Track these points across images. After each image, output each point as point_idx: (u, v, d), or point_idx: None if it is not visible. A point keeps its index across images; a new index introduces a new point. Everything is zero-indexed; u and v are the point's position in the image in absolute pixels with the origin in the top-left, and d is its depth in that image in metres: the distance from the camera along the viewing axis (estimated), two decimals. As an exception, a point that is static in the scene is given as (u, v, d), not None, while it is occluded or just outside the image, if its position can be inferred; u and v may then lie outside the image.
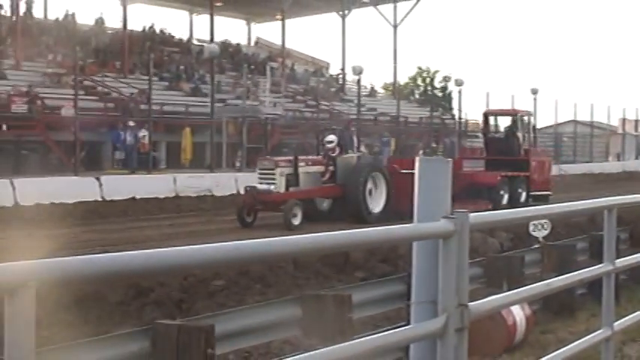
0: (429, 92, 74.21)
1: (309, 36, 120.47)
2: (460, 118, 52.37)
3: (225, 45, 53.20)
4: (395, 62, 58.29)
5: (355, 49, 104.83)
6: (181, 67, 46.85)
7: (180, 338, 7.43)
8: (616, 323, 6.00)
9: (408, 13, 57.45)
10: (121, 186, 27.73)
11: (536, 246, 13.46)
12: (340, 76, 57.72)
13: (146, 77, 37.33)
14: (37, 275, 2.35)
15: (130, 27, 45.99)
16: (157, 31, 52.72)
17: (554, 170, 48.84)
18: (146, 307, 11.16)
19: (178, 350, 7.39)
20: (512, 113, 32.00)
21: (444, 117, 56.46)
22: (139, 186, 28.10)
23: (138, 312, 10.93)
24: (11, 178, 26.21)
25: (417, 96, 70.09)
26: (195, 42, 54.70)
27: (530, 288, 5.41)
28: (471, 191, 25.39)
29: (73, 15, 48.50)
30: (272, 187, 22.25)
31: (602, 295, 5.87)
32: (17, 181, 25.70)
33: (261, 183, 22.45)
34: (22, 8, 43.69)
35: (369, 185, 23.83)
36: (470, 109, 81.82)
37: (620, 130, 64.08)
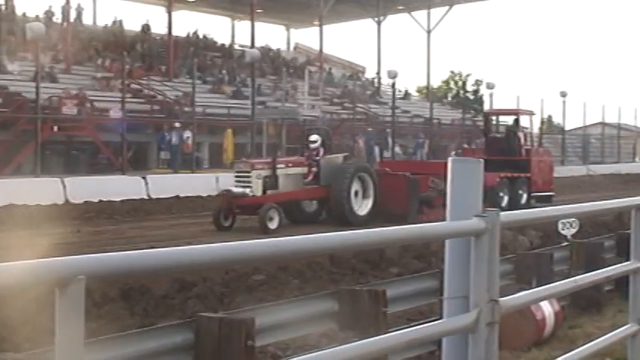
0: (461, 95, 73.93)
1: (345, 41, 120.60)
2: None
3: (265, 50, 53.29)
4: (428, 66, 58.20)
5: (390, 54, 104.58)
6: (223, 71, 46.99)
7: (221, 330, 7.46)
8: (642, 319, 5.94)
9: (441, 19, 57.28)
10: (165, 185, 27.88)
11: (564, 244, 13.37)
12: (376, 79, 57.60)
13: (190, 81, 37.48)
14: (87, 269, 2.36)
15: (174, 33, 46.20)
16: (201, 36, 52.94)
17: (583, 171, 48.59)
18: (189, 300, 11.21)
19: (220, 342, 7.41)
20: (514, 113, 30.85)
21: (476, 119, 56.17)
22: (182, 185, 28.25)
23: (181, 305, 10.98)
24: (62, 176, 26.45)
25: (449, 99, 69.80)
26: (236, 47, 54.83)
27: (559, 284, 5.37)
28: None
29: (120, 22, 48.86)
30: (247, 190, 20.62)
31: (629, 291, 5.81)
32: (67, 179, 25.92)
33: (237, 186, 20.82)
34: (73, 15, 44.06)
35: (356, 187, 22.08)
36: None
37: (647, 132, 63.46)
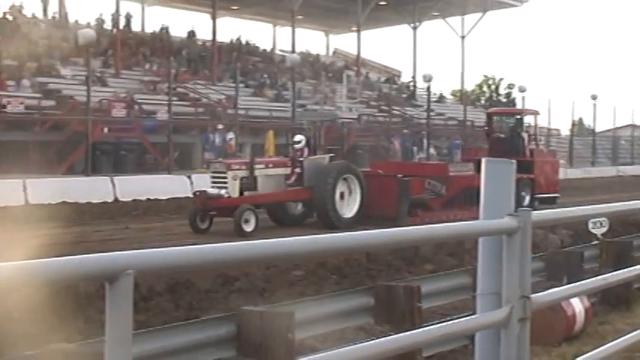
0: (494, 98, 73.46)
1: (382, 46, 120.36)
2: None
3: (305, 55, 53.37)
4: (462, 70, 58.12)
5: (425, 59, 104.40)
6: (265, 75, 47.09)
7: (263, 324, 7.48)
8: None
9: (474, 25, 57.01)
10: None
11: (594, 242, 13.23)
12: (411, 83, 57.44)
13: (233, 84, 37.63)
14: (135, 264, 2.38)
15: (219, 39, 46.36)
16: (244, 42, 53.09)
17: (612, 172, 48.07)
18: (232, 294, 11.24)
19: (261, 335, 7.44)
20: (518, 112, 29.21)
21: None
22: (226, 184, 28.31)
23: (224, 299, 11.02)
24: (111, 176, 26.67)
25: (482, 102, 69.43)
26: (278, 52, 54.97)
27: (589, 282, 5.33)
28: (468, 196, 22.19)
29: (167, 28, 49.13)
30: (223, 191, 18.98)
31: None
32: (117, 178, 26.12)
33: (212, 187, 19.23)
34: (122, 22, 44.40)
35: (341, 188, 20.31)
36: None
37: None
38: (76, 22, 44.11)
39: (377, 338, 3.36)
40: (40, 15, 44.20)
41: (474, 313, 3.94)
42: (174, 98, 34.02)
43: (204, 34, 49.21)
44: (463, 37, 56.90)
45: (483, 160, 3.94)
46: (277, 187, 20.08)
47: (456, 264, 13.50)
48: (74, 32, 37.65)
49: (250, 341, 7.46)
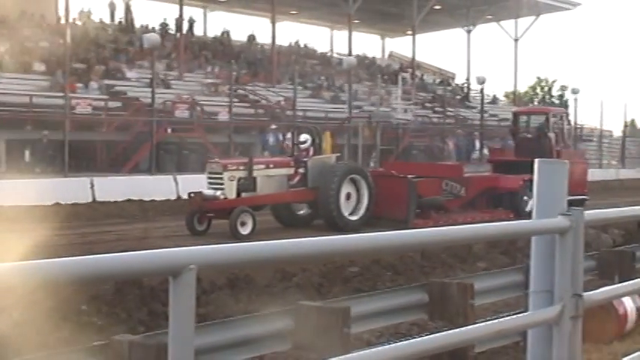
0: (547, 100, 72.64)
1: (437, 49, 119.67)
2: (576, 124, 51.03)
3: (361, 58, 53.27)
4: (515, 72, 57.28)
5: (479, 61, 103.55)
6: (322, 78, 47.15)
7: (319, 318, 7.50)
8: None
9: (528, 28, 56.33)
10: (269, 182, 28.08)
11: (646, 242, 13.03)
12: (465, 85, 57.03)
13: (291, 86, 37.71)
14: (198, 259, 2.40)
15: (278, 42, 46.55)
16: (302, 45, 53.25)
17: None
18: (289, 289, 11.29)
19: (318, 329, 7.45)
20: (545, 112, 27.28)
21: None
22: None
23: (282, 294, 11.07)
24: (174, 174, 26.93)
25: (535, 103, 68.68)
26: (335, 55, 54.99)
27: (641, 281, 5.24)
28: (491, 197, 21.54)
29: (228, 32, 49.45)
30: (219, 192, 17.85)
31: None
32: (179, 177, 26.36)
33: (209, 188, 18.16)
34: (185, 27, 44.81)
35: (347, 189, 19.09)
36: (585, 116, 79.51)
37: None
38: (142, 26, 44.65)
39: (431, 334, 3.35)
40: (107, 20, 44.87)
41: (526, 311, 3.91)
42: (235, 100, 34.19)
43: (263, 38, 49.50)
44: (516, 40, 56.28)
45: (536, 160, 3.89)
46: (279, 188, 18.95)
47: (509, 262, 13.41)
48: (139, 37, 38.10)
49: (307, 335, 7.49)
